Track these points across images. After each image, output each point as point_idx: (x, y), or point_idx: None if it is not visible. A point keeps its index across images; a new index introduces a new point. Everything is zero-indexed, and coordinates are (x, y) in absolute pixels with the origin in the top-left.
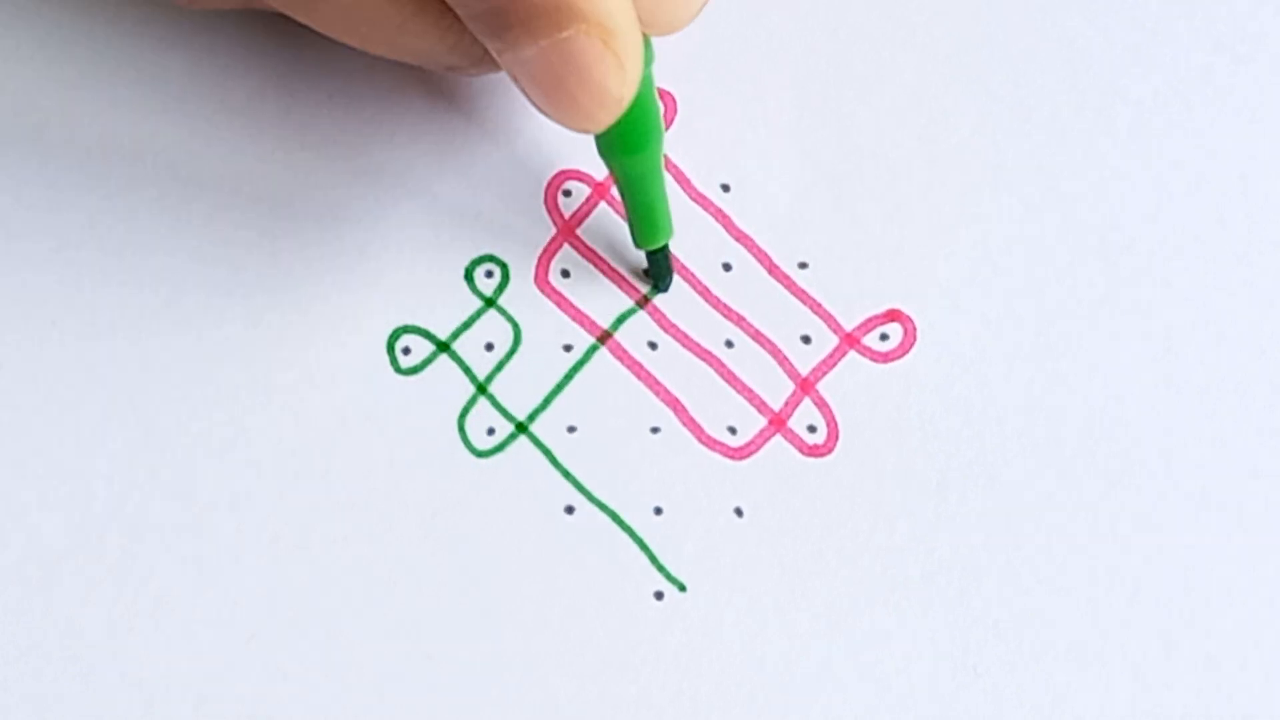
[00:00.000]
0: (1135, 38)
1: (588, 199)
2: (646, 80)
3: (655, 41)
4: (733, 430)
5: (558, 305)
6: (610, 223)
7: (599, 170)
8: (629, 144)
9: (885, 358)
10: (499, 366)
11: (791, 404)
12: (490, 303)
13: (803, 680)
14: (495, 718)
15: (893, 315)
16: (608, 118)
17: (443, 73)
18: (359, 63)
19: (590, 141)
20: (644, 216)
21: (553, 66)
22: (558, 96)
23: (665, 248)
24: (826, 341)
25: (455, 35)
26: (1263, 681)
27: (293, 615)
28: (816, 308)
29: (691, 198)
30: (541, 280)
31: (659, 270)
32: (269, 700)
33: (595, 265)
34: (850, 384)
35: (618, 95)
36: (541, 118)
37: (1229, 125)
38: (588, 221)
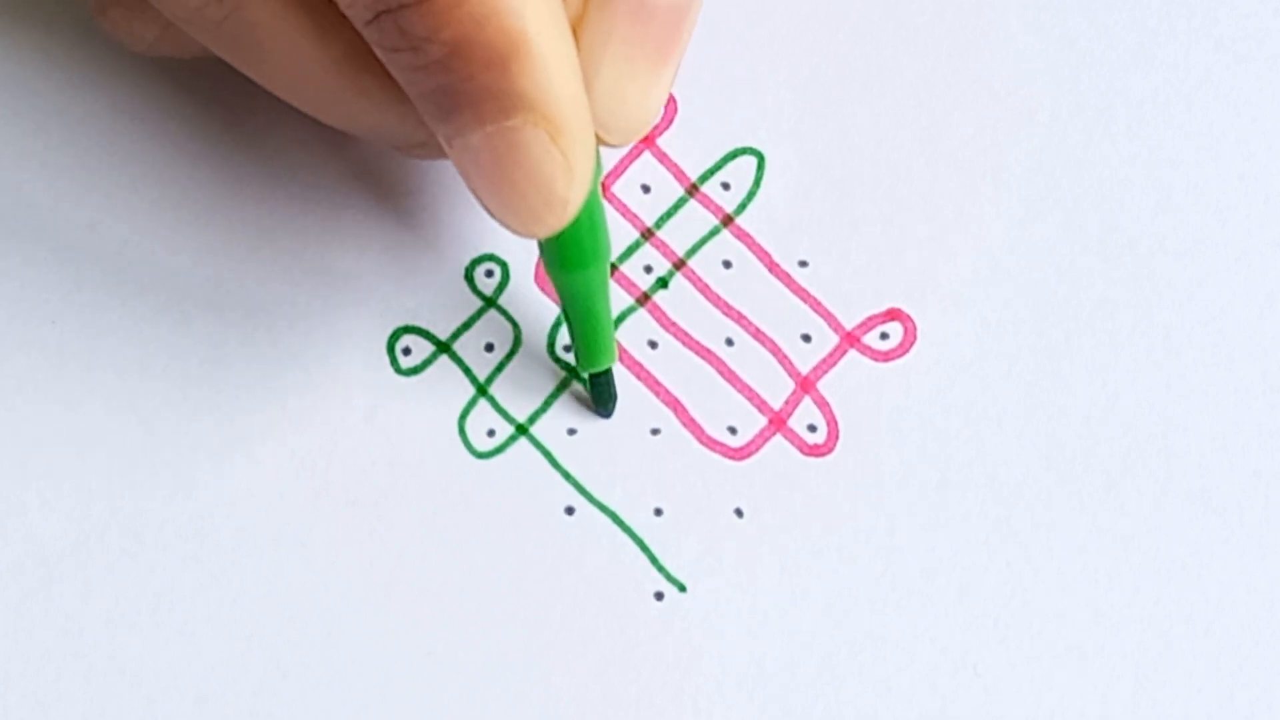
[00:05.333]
0: (1135, 38)
1: None
2: (594, 194)
3: None
4: (733, 430)
5: (558, 305)
6: (610, 223)
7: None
8: (572, 259)
9: (885, 357)
10: (499, 367)
11: (792, 403)
12: (490, 303)
13: (803, 680)
14: (495, 718)
15: (893, 314)
16: (555, 221)
17: (395, 152)
18: None
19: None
20: (588, 338)
21: (498, 155)
22: (502, 190)
23: (608, 372)
24: (827, 340)
25: (400, 115)
26: (1263, 681)
27: (293, 615)
28: (817, 306)
29: (692, 195)
30: (542, 280)
31: (601, 395)
32: (269, 700)
33: None
34: (850, 383)
35: (564, 196)
36: None
37: (1229, 125)
38: None
